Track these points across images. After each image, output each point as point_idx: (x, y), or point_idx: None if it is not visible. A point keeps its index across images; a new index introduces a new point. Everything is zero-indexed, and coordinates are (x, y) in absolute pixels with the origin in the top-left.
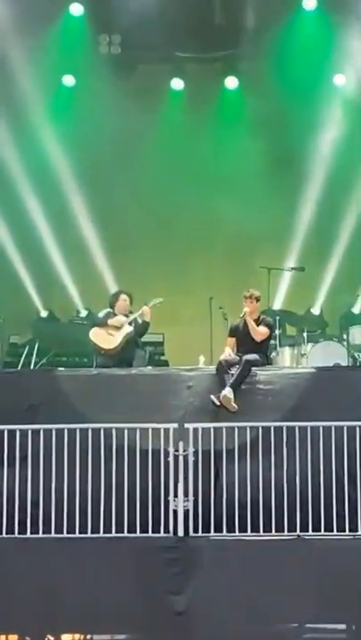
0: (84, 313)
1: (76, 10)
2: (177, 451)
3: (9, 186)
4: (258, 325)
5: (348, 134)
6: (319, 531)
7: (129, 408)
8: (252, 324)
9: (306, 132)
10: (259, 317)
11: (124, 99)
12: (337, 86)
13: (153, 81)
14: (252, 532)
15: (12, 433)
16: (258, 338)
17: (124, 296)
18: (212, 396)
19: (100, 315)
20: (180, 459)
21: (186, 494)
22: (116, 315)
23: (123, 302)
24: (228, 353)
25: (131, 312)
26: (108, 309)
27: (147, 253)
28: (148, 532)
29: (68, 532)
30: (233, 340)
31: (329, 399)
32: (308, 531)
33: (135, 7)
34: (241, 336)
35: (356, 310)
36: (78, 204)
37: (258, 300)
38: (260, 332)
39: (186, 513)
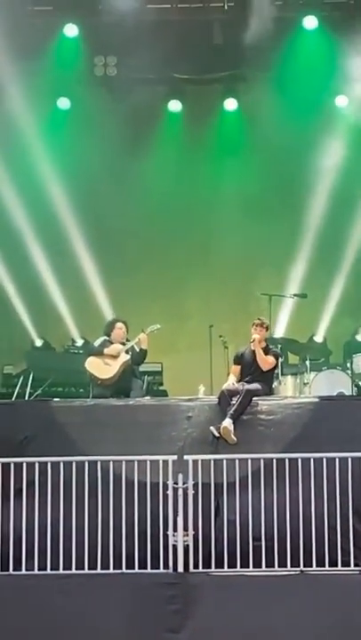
0: (79, 342)
1: (71, 31)
2: (176, 483)
3: (1, 211)
4: (265, 354)
5: (350, 157)
6: (323, 566)
7: (126, 440)
8: (260, 352)
9: (307, 156)
10: (266, 346)
11: (120, 121)
12: (338, 108)
13: (150, 103)
14: (253, 567)
15: (6, 465)
16: (265, 367)
17: (119, 324)
18: (211, 428)
19: (96, 343)
20: (180, 492)
21: (185, 528)
22: (112, 343)
23: (118, 330)
24: (231, 381)
25: (127, 340)
26: (105, 338)
27: (144, 280)
28: (146, 568)
29: (64, 569)
30: (238, 367)
31: (333, 429)
32: (311, 566)
33: (131, 28)
34: (246, 364)
35: (360, 338)
36: (73, 230)
37: (267, 328)
38: (268, 362)
39: (186, 548)
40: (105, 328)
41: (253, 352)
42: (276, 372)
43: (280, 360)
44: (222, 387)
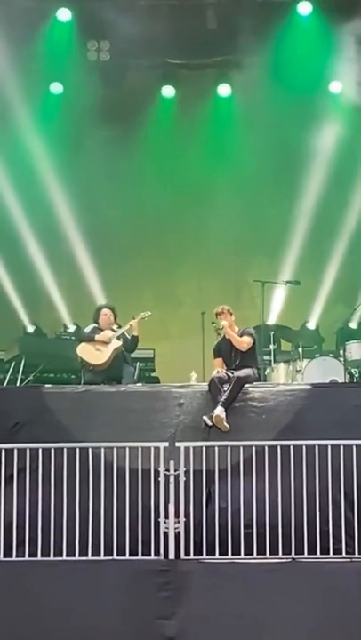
0: (72, 328)
1: (64, 15)
2: (167, 470)
3: None
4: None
5: (344, 143)
6: (315, 553)
7: (118, 426)
8: (233, 336)
9: (300, 142)
10: (239, 330)
11: (113, 106)
12: (333, 93)
13: (143, 88)
14: (245, 554)
15: None
16: (243, 347)
17: (104, 310)
18: (204, 417)
19: (86, 330)
20: (171, 479)
21: (177, 515)
22: (101, 330)
23: (104, 317)
24: (218, 370)
25: (119, 326)
26: (94, 325)
27: (136, 266)
28: (137, 555)
29: (55, 555)
30: (220, 360)
31: (325, 417)
32: (303, 553)
33: (124, 12)
34: (226, 354)
35: (353, 325)
36: (66, 216)
37: (231, 313)
38: (243, 341)
39: (177, 535)
40: (93, 315)
41: (228, 340)
42: (266, 358)
43: (255, 337)
44: (212, 374)
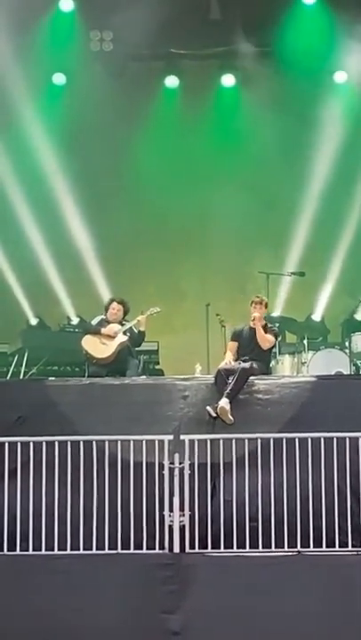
0: (75, 320)
1: (67, 5)
2: (172, 463)
3: None
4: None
5: (348, 133)
6: (321, 546)
7: (122, 419)
8: (260, 330)
9: (305, 132)
10: (265, 325)
11: (116, 97)
12: (337, 83)
13: (146, 78)
14: (250, 547)
15: (0, 445)
16: (265, 346)
17: (114, 304)
18: (208, 408)
19: (93, 322)
20: (176, 472)
21: (182, 509)
22: (109, 322)
23: (113, 311)
24: (228, 360)
25: (126, 321)
26: (102, 316)
27: (140, 258)
28: (142, 549)
29: (59, 549)
30: (235, 344)
31: (331, 409)
32: (309, 546)
33: (127, 2)
34: (244, 342)
35: (358, 317)
36: (69, 207)
37: (266, 306)
38: (268, 340)
39: (182, 528)
40: (105, 306)
41: (253, 330)
42: (273, 351)
43: (278, 338)
44: (219, 366)
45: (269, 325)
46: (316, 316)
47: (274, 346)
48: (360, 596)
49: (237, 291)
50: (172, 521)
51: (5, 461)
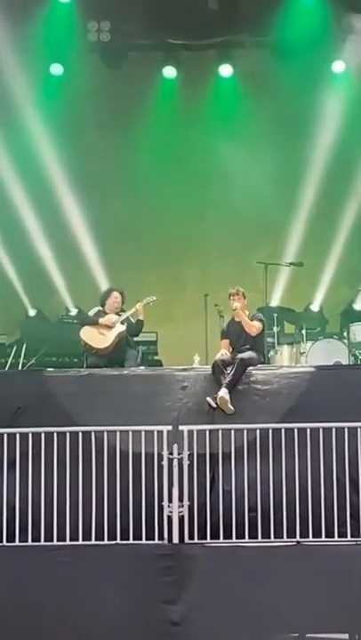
0: (73, 311)
1: None
2: (171, 454)
3: None
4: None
5: (347, 124)
6: (320, 537)
7: (121, 410)
8: (244, 318)
9: (303, 122)
10: (248, 314)
11: (114, 88)
12: (335, 73)
13: (144, 69)
14: (249, 538)
15: None
16: (253, 332)
17: (115, 293)
18: (208, 399)
19: (91, 313)
20: (175, 462)
21: (181, 499)
22: (106, 313)
23: (113, 300)
24: (222, 352)
25: (123, 310)
26: (99, 307)
27: (139, 249)
28: (141, 539)
29: (58, 540)
30: (227, 341)
31: (329, 399)
32: (308, 537)
33: None
34: (234, 335)
35: (357, 307)
36: (67, 198)
37: (244, 296)
38: (253, 325)
39: (181, 519)
40: (101, 297)
41: (238, 322)
42: (269, 340)
43: (265, 323)
44: (215, 357)
45: (253, 313)
46: (315, 307)
47: (263, 331)
48: (359, 585)
49: (237, 281)
50: (171, 511)
51: (4, 452)
